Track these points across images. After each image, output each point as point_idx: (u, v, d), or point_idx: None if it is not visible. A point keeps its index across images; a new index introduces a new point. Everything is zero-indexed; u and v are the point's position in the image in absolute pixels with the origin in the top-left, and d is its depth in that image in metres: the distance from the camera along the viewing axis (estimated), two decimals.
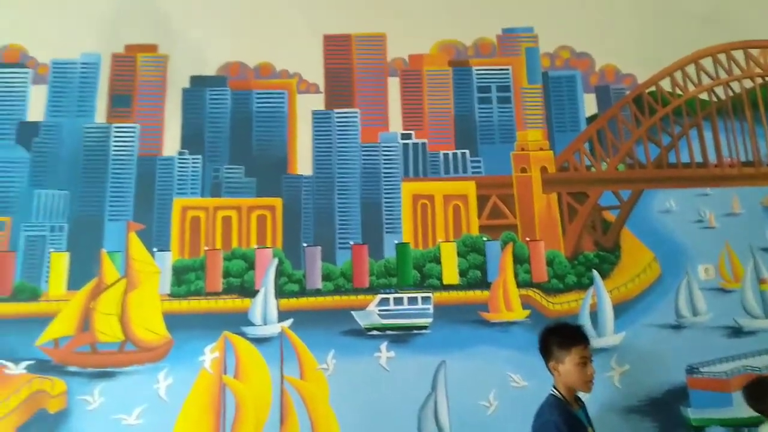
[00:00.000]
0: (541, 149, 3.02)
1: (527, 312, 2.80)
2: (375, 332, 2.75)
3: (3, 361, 2.60)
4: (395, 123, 3.01)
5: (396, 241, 2.87)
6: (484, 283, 2.85)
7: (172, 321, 2.69)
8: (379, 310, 2.78)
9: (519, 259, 2.87)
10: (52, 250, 2.74)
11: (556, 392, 2.09)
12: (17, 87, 2.92)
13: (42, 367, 2.61)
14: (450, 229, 2.91)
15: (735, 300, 2.86)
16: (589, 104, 3.07)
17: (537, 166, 3.00)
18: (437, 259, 2.87)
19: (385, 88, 3.04)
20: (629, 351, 2.71)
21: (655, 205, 2.98)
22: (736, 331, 2.81)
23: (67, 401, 2.57)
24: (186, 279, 2.76)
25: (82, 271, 2.73)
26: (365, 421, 2.62)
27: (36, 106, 2.90)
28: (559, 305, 2.82)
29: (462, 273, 2.85)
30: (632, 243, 2.93)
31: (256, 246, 2.82)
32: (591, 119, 3.07)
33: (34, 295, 2.69)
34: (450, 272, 2.85)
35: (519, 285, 2.83)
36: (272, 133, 2.96)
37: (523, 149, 3.02)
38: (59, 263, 2.73)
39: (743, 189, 3.00)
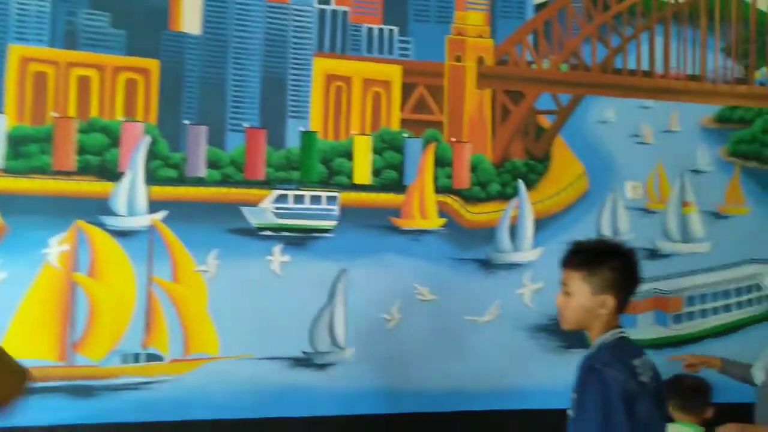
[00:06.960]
0: (481, 36, 2.59)
1: (443, 221, 2.51)
2: (268, 232, 2.34)
3: None
4: None
5: (301, 128, 2.41)
6: (399, 186, 2.49)
7: (6, 202, 2.12)
8: (275, 208, 2.37)
9: (441, 162, 2.53)
10: None
11: None
12: None
13: None
14: (367, 121, 2.48)
15: (657, 221, 2.74)
16: None
17: (473, 56, 2.58)
18: (349, 155, 2.45)
19: None
20: (545, 267, 2.51)
21: (593, 114, 2.70)
22: (653, 254, 2.71)
23: None
24: (26, 151, 2.15)
25: None
26: (249, 331, 2.28)
27: None
28: (477, 215, 2.55)
29: (375, 172, 2.47)
30: (564, 153, 2.67)
31: (122, 118, 2.25)
32: (540, 7, 2.65)
33: None
34: (362, 170, 2.45)
35: (437, 191, 2.51)
36: None
37: (460, 34, 2.57)
38: None
39: (685, 105, 2.78)
